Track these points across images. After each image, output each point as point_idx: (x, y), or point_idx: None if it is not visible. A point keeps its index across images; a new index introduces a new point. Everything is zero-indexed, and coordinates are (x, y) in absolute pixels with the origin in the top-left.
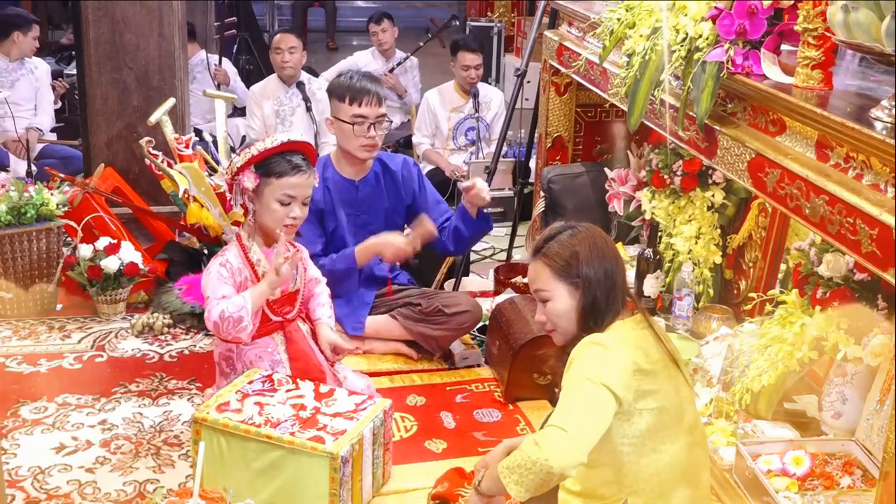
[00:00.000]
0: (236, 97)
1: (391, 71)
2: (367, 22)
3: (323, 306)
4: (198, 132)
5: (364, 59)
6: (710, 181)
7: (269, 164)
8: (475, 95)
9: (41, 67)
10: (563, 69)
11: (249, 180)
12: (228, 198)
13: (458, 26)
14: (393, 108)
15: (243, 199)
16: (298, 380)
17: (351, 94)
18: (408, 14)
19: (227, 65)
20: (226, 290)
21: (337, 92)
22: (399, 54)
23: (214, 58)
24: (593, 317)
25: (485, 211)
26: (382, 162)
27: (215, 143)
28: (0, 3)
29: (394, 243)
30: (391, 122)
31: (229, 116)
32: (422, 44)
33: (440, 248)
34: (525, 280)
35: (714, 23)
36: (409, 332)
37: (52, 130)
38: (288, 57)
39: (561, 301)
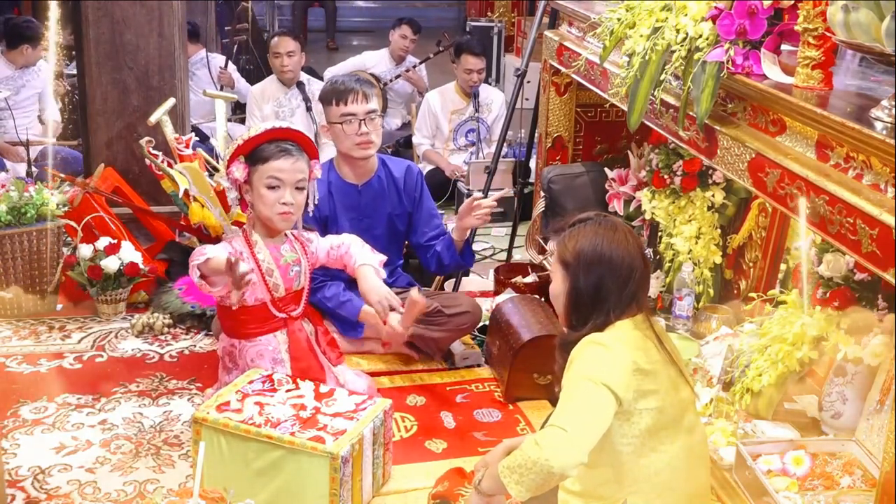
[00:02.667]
0: (236, 97)
1: (407, 71)
2: (397, 21)
3: (363, 253)
4: (197, 131)
5: (374, 60)
6: (710, 181)
7: (257, 151)
8: (476, 97)
9: (44, 69)
10: (563, 69)
11: (238, 170)
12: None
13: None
14: (393, 109)
15: (240, 193)
16: (298, 380)
17: (336, 96)
18: (408, 14)
19: (231, 68)
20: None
21: (325, 98)
22: (409, 60)
23: (215, 57)
24: (577, 311)
25: (472, 249)
26: (386, 166)
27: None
28: (1, 4)
29: (395, 333)
30: (383, 115)
31: (230, 119)
32: (431, 55)
33: (423, 263)
34: (525, 280)
35: (714, 23)
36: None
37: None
38: (287, 61)
39: (556, 283)
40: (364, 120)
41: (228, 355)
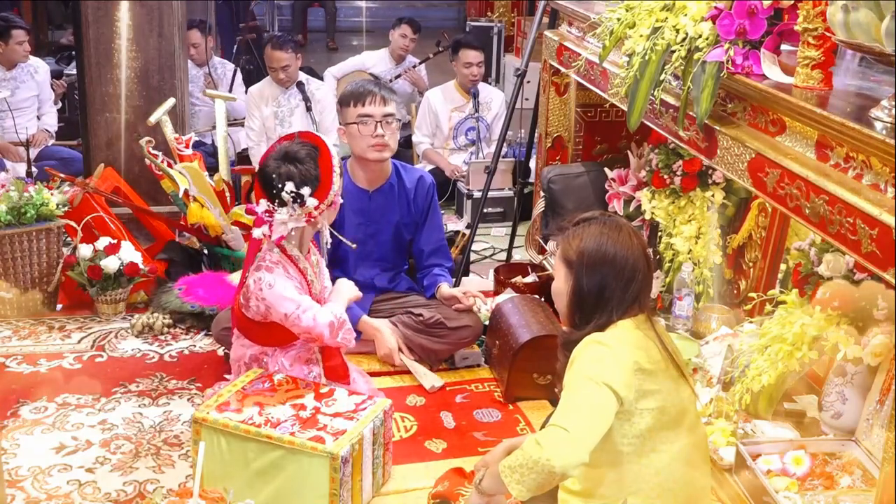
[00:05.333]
0: (236, 98)
1: (405, 72)
2: (397, 21)
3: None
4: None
5: (373, 59)
6: (710, 181)
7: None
8: (475, 95)
9: (41, 70)
10: (563, 69)
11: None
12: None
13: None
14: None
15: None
16: (298, 380)
17: (354, 98)
18: (408, 14)
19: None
20: (310, 299)
21: (343, 100)
22: (409, 60)
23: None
24: (579, 310)
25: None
26: (399, 174)
27: (215, 153)
28: (1, 4)
29: (389, 350)
30: (399, 121)
31: (230, 125)
32: (431, 55)
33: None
34: (525, 280)
35: (714, 23)
36: (408, 341)
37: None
38: (282, 74)
39: (558, 282)
40: (381, 122)
41: (256, 361)
